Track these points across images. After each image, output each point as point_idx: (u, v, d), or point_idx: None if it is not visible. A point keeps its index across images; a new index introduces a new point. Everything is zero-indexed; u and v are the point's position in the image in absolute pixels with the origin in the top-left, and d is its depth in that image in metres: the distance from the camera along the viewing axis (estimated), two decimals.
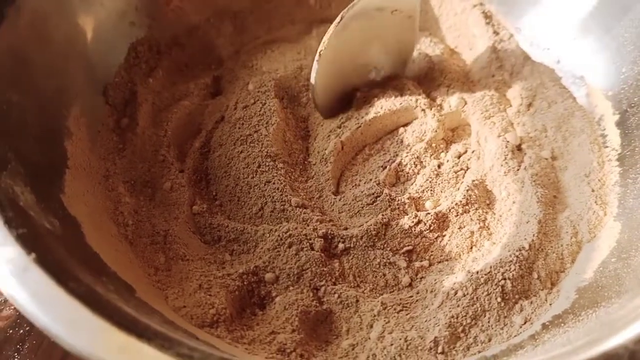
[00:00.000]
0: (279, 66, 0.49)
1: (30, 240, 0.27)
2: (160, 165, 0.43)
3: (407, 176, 0.43)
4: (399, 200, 0.41)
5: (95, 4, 0.44)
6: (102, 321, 0.24)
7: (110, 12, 0.45)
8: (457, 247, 0.40)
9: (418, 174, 0.43)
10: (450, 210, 0.40)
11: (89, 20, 0.44)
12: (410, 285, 0.38)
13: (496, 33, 0.51)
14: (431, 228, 0.40)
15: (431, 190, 0.42)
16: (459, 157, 0.43)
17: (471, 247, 0.40)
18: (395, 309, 0.36)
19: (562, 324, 0.33)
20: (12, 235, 0.27)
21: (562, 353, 0.26)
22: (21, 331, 0.41)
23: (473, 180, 0.42)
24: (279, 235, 0.38)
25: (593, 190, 0.40)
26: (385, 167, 0.43)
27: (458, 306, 0.35)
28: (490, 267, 0.36)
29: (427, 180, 0.42)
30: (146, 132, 0.44)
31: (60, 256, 0.28)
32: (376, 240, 0.39)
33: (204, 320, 0.33)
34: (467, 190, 0.41)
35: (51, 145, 0.37)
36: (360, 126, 0.45)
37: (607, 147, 0.43)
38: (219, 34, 0.53)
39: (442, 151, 0.44)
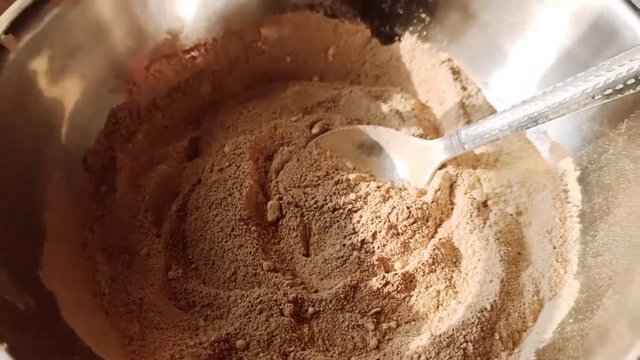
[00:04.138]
0: (254, 126, 0.51)
1: (3, 328, 0.29)
2: (138, 231, 0.44)
3: (377, 238, 0.44)
4: (368, 261, 0.42)
5: (76, 75, 0.46)
6: None
7: (90, 81, 0.47)
8: (424, 306, 0.41)
9: (388, 235, 0.44)
10: (417, 270, 0.42)
11: (70, 91, 0.45)
12: (377, 347, 0.39)
13: (464, 88, 0.53)
14: (399, 289, 0.41)
15: (400, 251, 0.43)
16: (426, 220, 0.45)
17: (437, 307, 0.41)
18: None
19: None
20: None
21: None
22: None
23: (440, 239, 0.43)
24: (250, 302, 0.39)
25: (555, 247, 0.42)
26: (356, 231, 0.44)
27: None
28: (453, 330, 0.37)
29: (396, 242, 0.43)
30: (124, 198, 0.46)
31: (32, 342, 0.30)
32: (345, 303, 0.40)
33: None
34: (434, 250, 0.42)
35: (29, 218, 0.39)
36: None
37: (569, 202, 0.44)
38: (197, 94, 0.55)
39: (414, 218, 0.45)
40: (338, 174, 0.47)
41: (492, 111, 0.52)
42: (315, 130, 0.52)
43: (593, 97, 0.39)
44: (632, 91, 0.38)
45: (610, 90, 0.38)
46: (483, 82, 0.53)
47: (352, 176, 0.47)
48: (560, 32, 0.47)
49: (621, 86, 0.38)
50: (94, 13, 0.46)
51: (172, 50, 0.53)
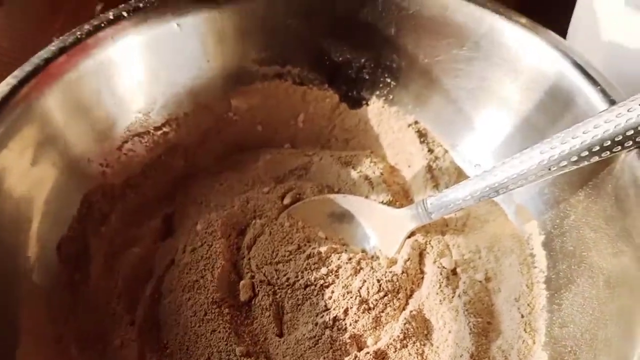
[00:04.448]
0: (226, 201, 0.52)
1: None
2: (111, 319, 0.45)
3: (349, 314, 0.44)
4: (340, 340, 0.43)
5: (47, 166, 0.46)
6: None
7: (62, 169, 0.48)
8: None
9: (360, 311, 0.44)
10: (389, 346, 0.42)
11: (41, 182, 0.45)
12: None
13: (431, 151, 0.54)
14: None
15: (372, 326, 0.44)
16: (397, 292, 0.45)
17: None
18: None
19: None
20: None
21: None
22: None
23: (411, 311, 0.44)
24: None
25: (523, 316, 0.42)
26: (328, 308, 0.44)
27: None
28: None
29: (368, 317, 0.44)
30: (98, 284, 0.46)
31: None
32: None
33: None
34: (405, 324, 0.43)
35: (3, 319, 0.39)
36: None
37: (535, 267, 0.45)
38: (170, 169, 0.55)
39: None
40: (310, 246, 0.48)
41: (460, 173, 0.53)
42: (287, 201, 0.52)
43: (549, 169, 0.40)
44: (586, 163, 0.39)
45: (565, 162, 0.39)
46: (450, 144, 0.54)
47: (323, 249, 0.47)
48: (517, 98, 0.48)
49: (575, 158, 0.39)
50: (62, 103, 0.47)
51: (144, 128, 0.54)
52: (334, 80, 0.58)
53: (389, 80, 0.56)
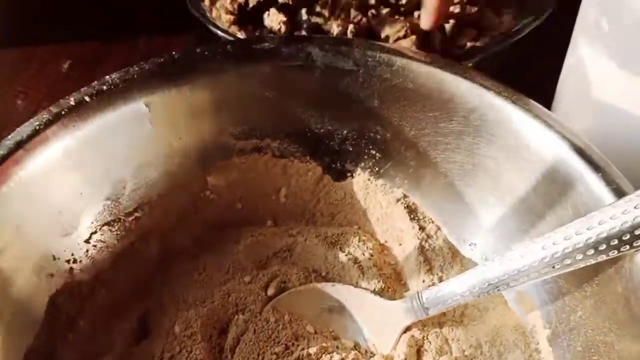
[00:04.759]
0: (206, 294, 0.48)
1: None
2: None
3: None
4: None
5: (10, 269, 0.42)
6: None
7: (24, 274, 0.44)
8: None
9: None
10: None
11: (5, 292, 0.42)
12: None
13: (422, 228, 0.51)
14: None
15: None
16: None
17: None
18: None
19: None
20: None
21: None
22: None
23: None
24: None
25: None
26: None
27: None
28: None
29: None
30: None
31: None
32: None
33: None
34: None
35: None
36: None
37: None
38: (144, 257, 0.51)
39: None
40: (298, 347, 0.44)
41: (454, 253, 0.49)
42: (271, 292, 0.49)
43: (553, 267, 0.37)
44: (592, 262, 0.36)
45: (569, 261, 0.36)
46: (442, 221, 0.51)
47: (313, 349, 0.44)
48: (511, 177, 0.45)
49: (581, 256, 0.36)
50: (22, 200, 0.43)
51: (114, 215, 0.50)
52: (315, 152, 0.55)
53: (374, 152, 0.53)
